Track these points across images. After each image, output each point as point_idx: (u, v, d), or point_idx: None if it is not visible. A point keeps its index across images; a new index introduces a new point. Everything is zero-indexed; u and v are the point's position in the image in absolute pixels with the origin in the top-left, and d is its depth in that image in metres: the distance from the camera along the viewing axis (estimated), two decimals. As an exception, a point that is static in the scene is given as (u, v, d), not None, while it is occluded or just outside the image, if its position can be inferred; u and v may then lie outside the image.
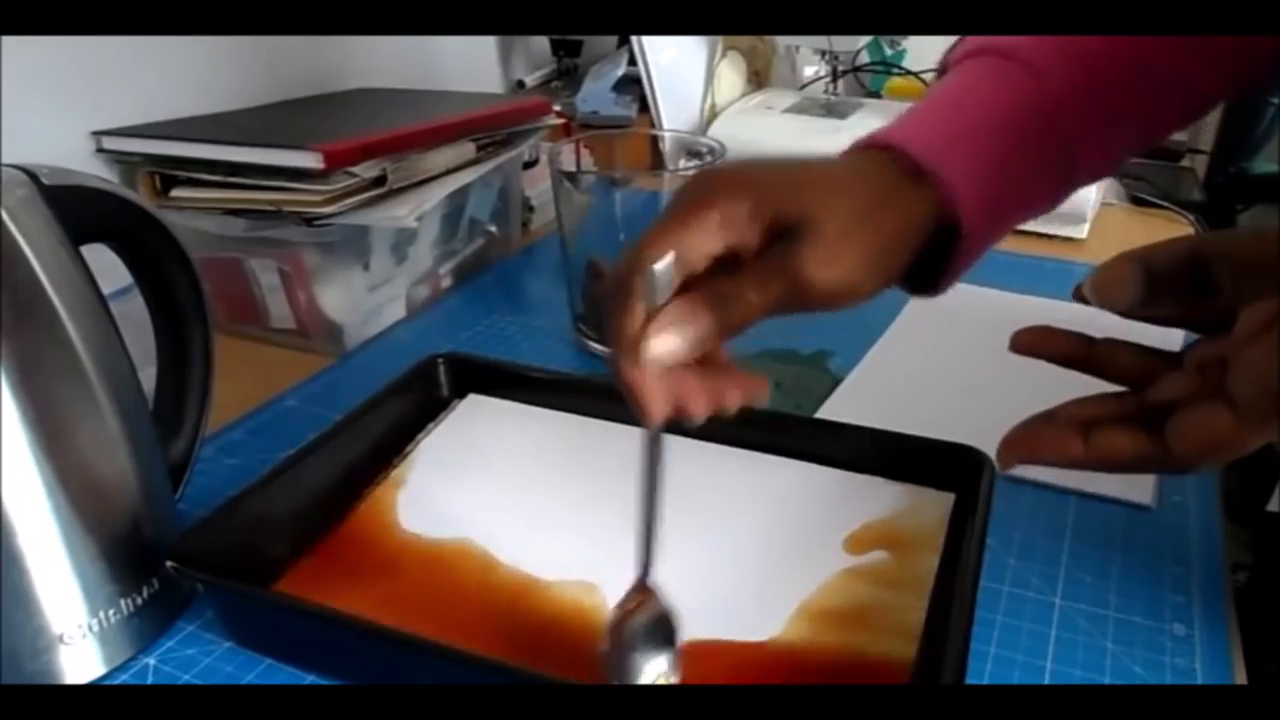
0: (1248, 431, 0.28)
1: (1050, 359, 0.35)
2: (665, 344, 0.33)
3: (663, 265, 0.33)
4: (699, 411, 0.35)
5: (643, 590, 0.37)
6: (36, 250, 0.36)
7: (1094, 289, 0.31)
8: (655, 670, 0.36)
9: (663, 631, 0.37)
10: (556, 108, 0.86)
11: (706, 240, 0.34)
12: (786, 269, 0.34)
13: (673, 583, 0.38)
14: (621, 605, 0.37)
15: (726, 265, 0.35)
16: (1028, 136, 0.38)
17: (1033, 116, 0.38)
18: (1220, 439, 0.29)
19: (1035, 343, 0.35)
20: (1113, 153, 0.41)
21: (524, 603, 0.42)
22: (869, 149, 0.38)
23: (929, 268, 0.39)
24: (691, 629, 0.38)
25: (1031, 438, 0.34)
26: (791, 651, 0.39)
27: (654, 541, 0.37)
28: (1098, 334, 0.36)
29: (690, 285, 0.34)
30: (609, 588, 0.42)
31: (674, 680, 0.37)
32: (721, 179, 0.36)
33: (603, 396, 0.54)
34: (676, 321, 0.34)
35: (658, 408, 0.34)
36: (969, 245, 0.38)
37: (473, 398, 0.56)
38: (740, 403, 0.36)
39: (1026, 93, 0.38)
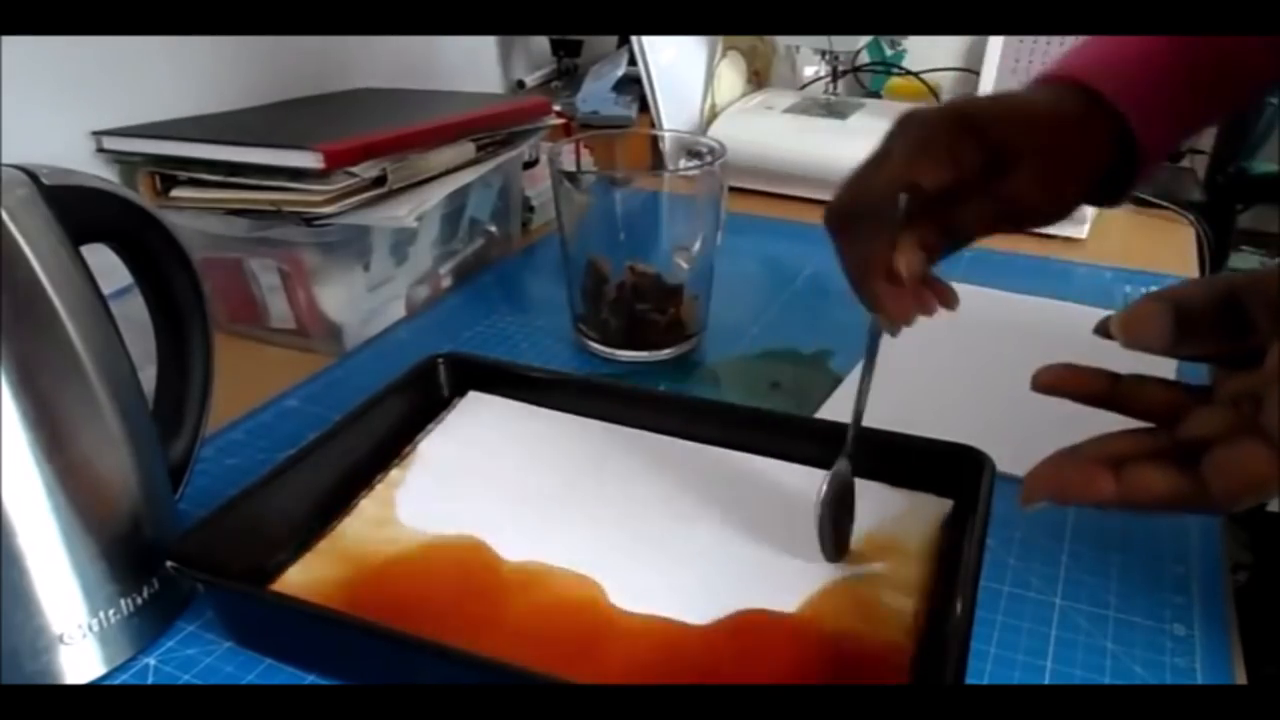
0: None
1: (1074, 398, 0.34)
2: (913, 262, 0.40)
3: (907, 198, 0.39)
4: (929, 311, 0.43)
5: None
6: (36, 250, 0.36)
7: (1122, 329, 0.31)
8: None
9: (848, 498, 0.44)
10: (556, 108, 0.86)
11: (940, 174, 0.39)
12: (1002, 196, 0.40)
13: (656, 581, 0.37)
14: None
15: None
16: (1194, 65, 0.41)
17: (1193, 49, 0.41)
18: (1261, 476, 0.28)
19: (1057, 382, 0.35)
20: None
21: (525, 596, 0.42)
22: (1053, 81, 0.43)
23: (1109, 181, 0.43)
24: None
25: (1058, 475, 0.33)
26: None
27: (858, 425, 0.45)
28: (1100, 348, 0.35)
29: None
30: (609, 582, 0.42)
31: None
32: (948, 117, 0.41)
33: (602, 396, 0.54)
34: (916, 242, 0.40)
35: (904, 311, 0.42)
36: (1147, 161, 0.42)
37: (473, 395, 0.56)
38: (936, 309, 0.43)
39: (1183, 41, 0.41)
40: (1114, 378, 0.34)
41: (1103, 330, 0.32)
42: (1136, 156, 0.42)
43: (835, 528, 0.43)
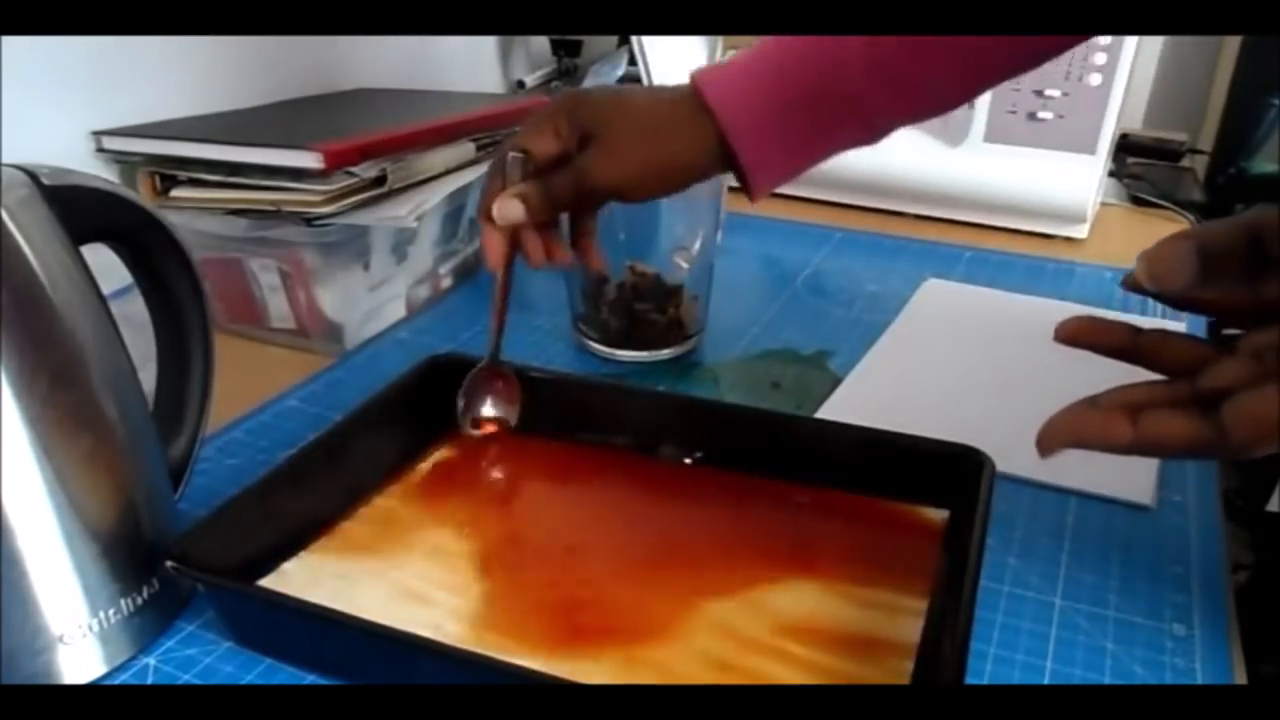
0: None
1: (1096, 349, 0.35)
2: (506, 208, 0.48)
3: (513, 157, 0.48)
4: (534, 259, 0.51)
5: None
6: (36, 250, 0.36)
7: (1147, 270, 0.31)
8: None
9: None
10: (556, 108, 0.86)
11: (543, 144, 0.48)
12: (578, 167, 0.47)
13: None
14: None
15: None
16: (817, 96, 0.45)
17: (823, 78, 0.45)
18: None
19: (1080, 333, 0.35)
20: (900, 114, 0.47)
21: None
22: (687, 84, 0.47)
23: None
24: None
25: (1075, 421, 0.33)
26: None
27: (500, 333, 0.54)
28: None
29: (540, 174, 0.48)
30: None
31: None
32: (564, 100, 0.48)
33: (601, 396, 0.54)
34: (515, 196, 0.48)
35: (496, 256, 0.51)
36: (753, 171, 0.46)
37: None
38: (554, 264, 0.52)
39: (825, 60, 0.46)
40: (1135, 330, 0.35)
41: (1130, 283, 0.32)
42: (739, 161, 0.46)
43: None
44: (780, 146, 0.46)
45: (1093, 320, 0.35)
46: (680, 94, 0.46)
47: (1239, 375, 0.31)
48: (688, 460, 0.51)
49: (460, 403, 0.53)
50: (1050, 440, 0.33)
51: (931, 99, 0.47)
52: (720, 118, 0.45)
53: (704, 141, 0.46)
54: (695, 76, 0.46)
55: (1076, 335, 0.35)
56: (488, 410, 0.53)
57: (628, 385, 0.59)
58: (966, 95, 0.48)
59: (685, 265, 0.64)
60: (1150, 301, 0.79)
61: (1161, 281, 0.31)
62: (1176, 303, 0.33)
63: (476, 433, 0.53)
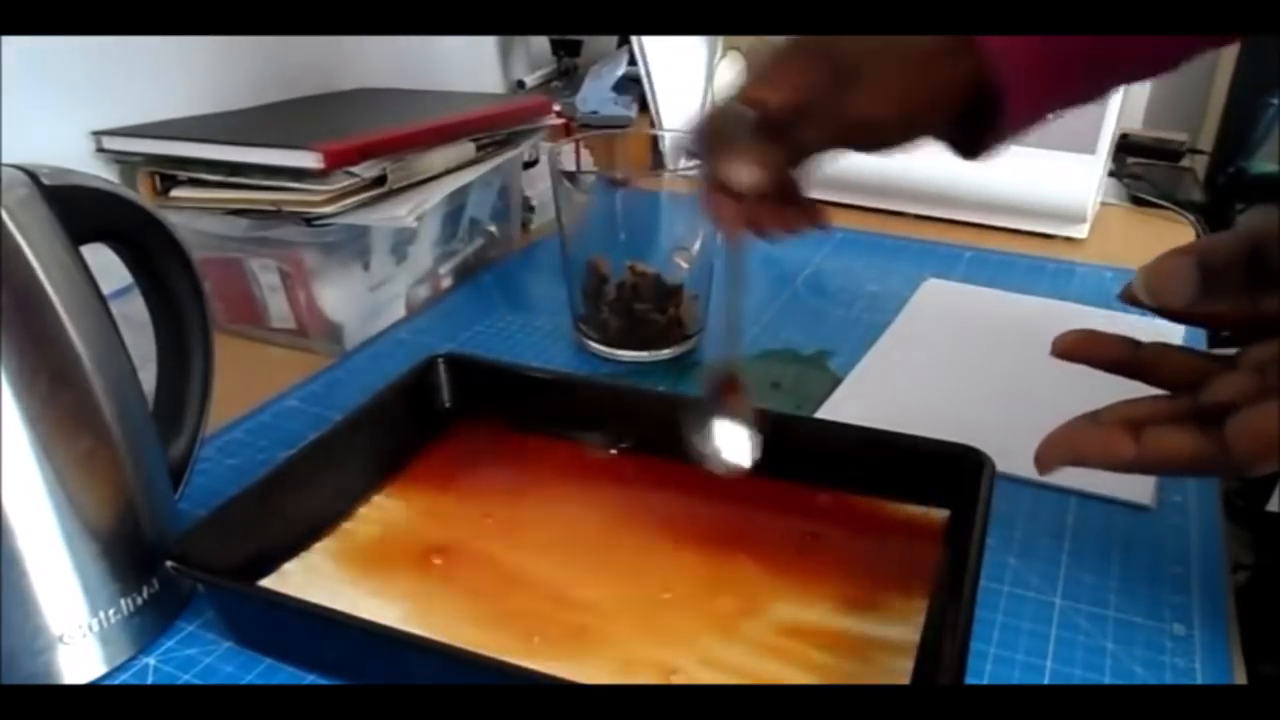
0: None
1: (1095, 364, 0.34)
2: (742, 174, 0.40)
3: (740, 113, 0.41)
4: (772, 231, 0.43)
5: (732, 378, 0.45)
6: (36, 250, 0.36)
7: (1146, 285, 0.30)
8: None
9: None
10: (556, 108, 0.86)
11: (783, 93, 0.40)
12: (837, 109, 0.40)
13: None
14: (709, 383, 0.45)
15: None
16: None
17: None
18: None
19: (1078, 347, 0.35)
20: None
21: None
22: None
23: (970, 131, 0.42)
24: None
25: (1076, 438, 0.32)
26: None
27: (737, 335, 0.46)
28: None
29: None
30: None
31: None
32: (807, 43, 0.41)
33: (600, 395, 0.54)
34: (755, 156, 0.40)
35: (735, 225, 0.42)
36: (1011, 112, 0.40)
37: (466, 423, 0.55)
38: (805, 227, 0.43)
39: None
40: (1135, 344, 0.34)
41: (1128, 296, 0.32)
42: (997, 104, 0.39)
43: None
44: (1045, 86, 0.40)
45: (1091, 334, 0.34)
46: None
47: (1241, 390, 0.30)
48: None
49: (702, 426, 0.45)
50: (1049, 457, 0.33)
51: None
52: (988, 49, 0.38)
53: (965, 72, 0.39)
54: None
55: (1074, 349, 0.35)
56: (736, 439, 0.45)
57: (627, 385, 0.59)
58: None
59: (685, 265, 0.64)
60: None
61: (1160, 297, 0.30)
62: (1176, 316, 0.32)
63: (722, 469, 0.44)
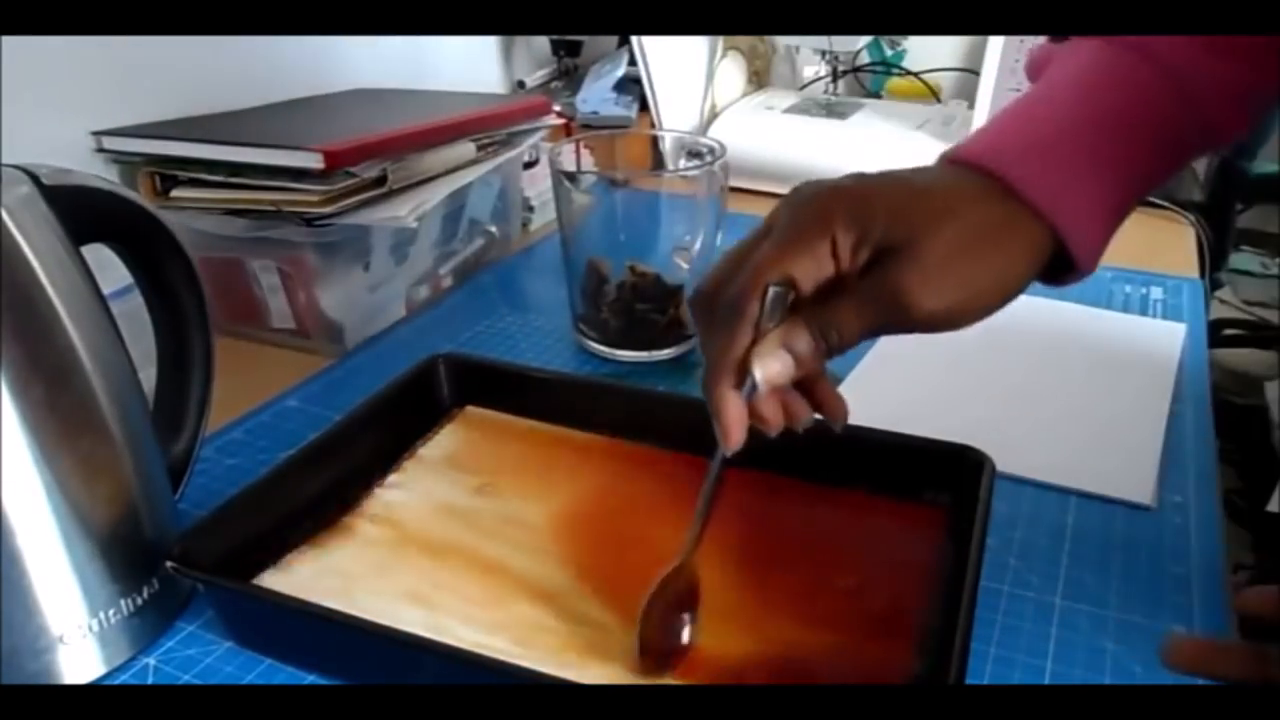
0: None
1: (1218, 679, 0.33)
2: (772, 367, 0.35)
3: (777, 292, 0.35)
4: (773, 424, 0.37)
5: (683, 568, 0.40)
6: (36, 250, 0.36)
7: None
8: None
9: (690, 599, 0.40)
10: (556, 108, 0.86)
11: (820, 268, 0.35)
12: (885, 293, 0.34)
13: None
14: (664, 578, 0.39)
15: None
16: (1160, 148, 0.36)
17: (1167, 125, 0.35)
18: None
19: (1196, 660, 0.33)
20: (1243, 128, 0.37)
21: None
22: (977, 169, 0.36)
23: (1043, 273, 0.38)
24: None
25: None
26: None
27: (701, 530, 0.40)
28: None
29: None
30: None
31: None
32: (834, 200, 0.35)
33: (600, 396, 0.54)
34: (781, 346, 0.35)
35: (738, 433, 0.36)
36: (1083, 269, 0.37)
37: (470, 409, 0.56)
38: (812, 421, 0.38)
39: (1162, 99, 0.35)
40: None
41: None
42: (1066, 249, 0.36)
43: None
44: (1114, 222, 0.37)
45: (1211, 648, 0.33)
46: (984, 187, 0.35)
47: None
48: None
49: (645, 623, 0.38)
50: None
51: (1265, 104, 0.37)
52: (1059, 223, 0.35)
53: (1033, 247, 0.35)
54: (1000, 169, 0.35)
55: (1192, 662, 0.33)
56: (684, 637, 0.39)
57: (627, 385, 0.59)
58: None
59: (685, 265, 0.64)
60: (1149, 302, 0.79)
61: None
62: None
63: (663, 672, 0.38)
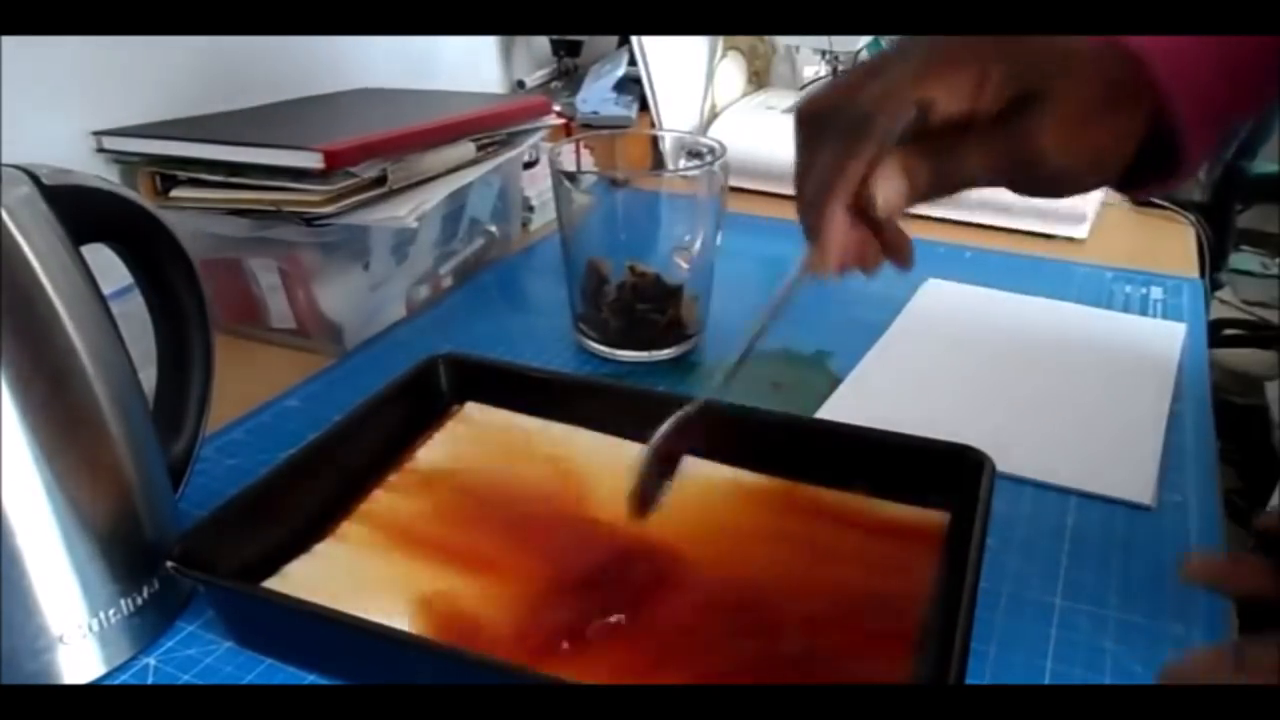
0: None
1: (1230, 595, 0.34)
2: (889, 190, 0.33)
3: (909, 116, 0.32)
4: (871, 263, 0.36)
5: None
6: (36, 250, 0.36)
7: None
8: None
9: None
10: (556, 108, 0.86)
11: (963, 97, 0.33)
12: (1019, 139, 0.33)
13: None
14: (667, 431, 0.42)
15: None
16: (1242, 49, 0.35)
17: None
18: None
19: (1209, 575, 0.34)
20: None
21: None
22: (1109, 41, 0.35)
23: (1142, 166, 0.36)
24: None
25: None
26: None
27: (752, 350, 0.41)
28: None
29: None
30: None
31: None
32: (978, 41, 0.34)
33: (600, 396, 0.54)
34: (903, 171, 0.33)
35: (838, 257, 0.35)
36: (1189, 162, 0.35)
37: (470, 405, 0.56)
38: (898, 262, 0.37)
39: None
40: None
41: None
42: (1175, 139, 0.34)
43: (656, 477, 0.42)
44: (1219, 129, 0.36)
45: (1224, 564, 0.33)
46: (1113, 54, 0.34)
47: None
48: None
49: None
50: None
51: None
52: (1174, 100, 0.33)
53: (1145, 126, 0.34)
54: (1134, 44, 0.34)
55: (1204, 576, 0.34)
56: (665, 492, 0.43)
57: (627, 385, 0.59)
58: None
59: (685, 265, 0.64)
60: (1149, 301, 0.79)
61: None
62: None
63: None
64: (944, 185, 0.34)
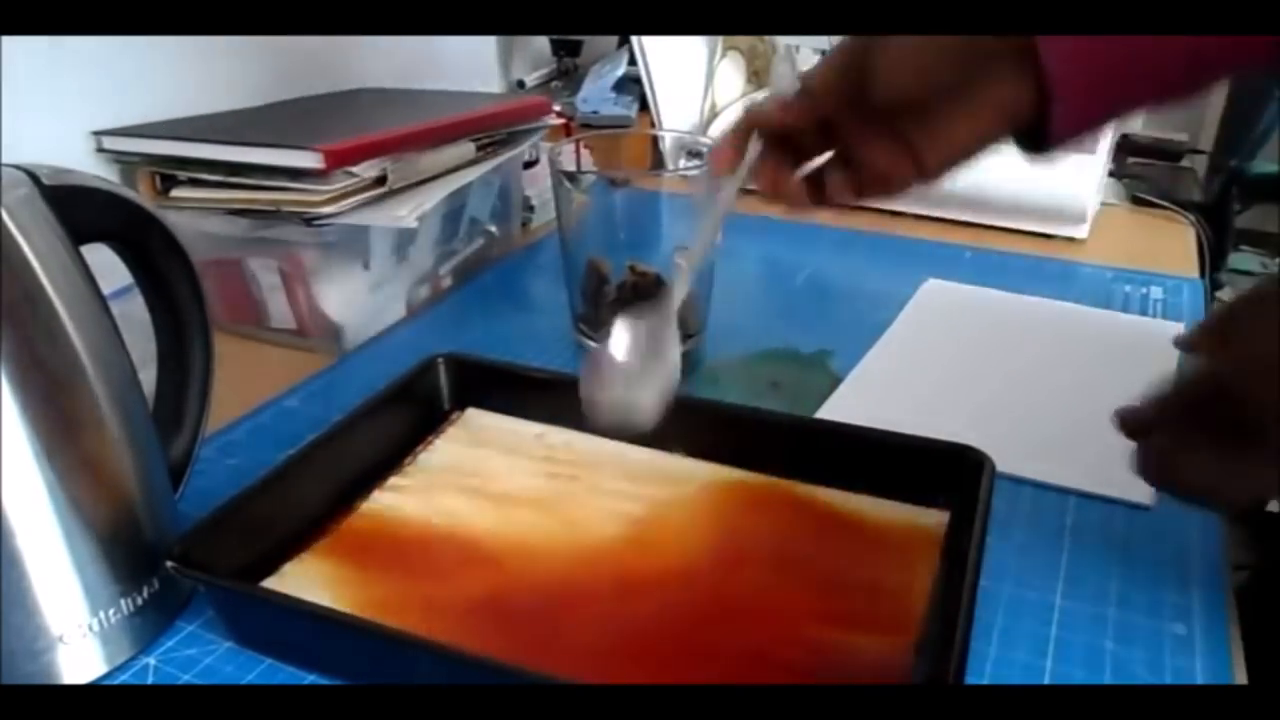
0: None
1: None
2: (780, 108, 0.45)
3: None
4: (764, 183, 0.47)
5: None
6: (36, 250, 0.36)
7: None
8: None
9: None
10: (556, 108, 0.86)
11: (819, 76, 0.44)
12: (863, 77, 0.41)
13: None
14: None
15: None
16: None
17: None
18: None
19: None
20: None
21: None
22: None
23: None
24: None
25: None
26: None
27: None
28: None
29: None
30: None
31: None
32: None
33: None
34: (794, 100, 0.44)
35: (729, 158, 0.47)
36: (1058, 126, 0.38)
37: (471, 411, 0.56)
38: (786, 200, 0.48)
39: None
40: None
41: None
42: (1047, 99, 0.37)
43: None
44: (1102, 89, 0.38)
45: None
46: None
47: None
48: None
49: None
50: None
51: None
52: (1046, 53, 0.36)
53: (1020, 89, 0.38)
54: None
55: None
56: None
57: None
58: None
59: (685, 265, 0.64)
60: (1150, 301, 0.79)
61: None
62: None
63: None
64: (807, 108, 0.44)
